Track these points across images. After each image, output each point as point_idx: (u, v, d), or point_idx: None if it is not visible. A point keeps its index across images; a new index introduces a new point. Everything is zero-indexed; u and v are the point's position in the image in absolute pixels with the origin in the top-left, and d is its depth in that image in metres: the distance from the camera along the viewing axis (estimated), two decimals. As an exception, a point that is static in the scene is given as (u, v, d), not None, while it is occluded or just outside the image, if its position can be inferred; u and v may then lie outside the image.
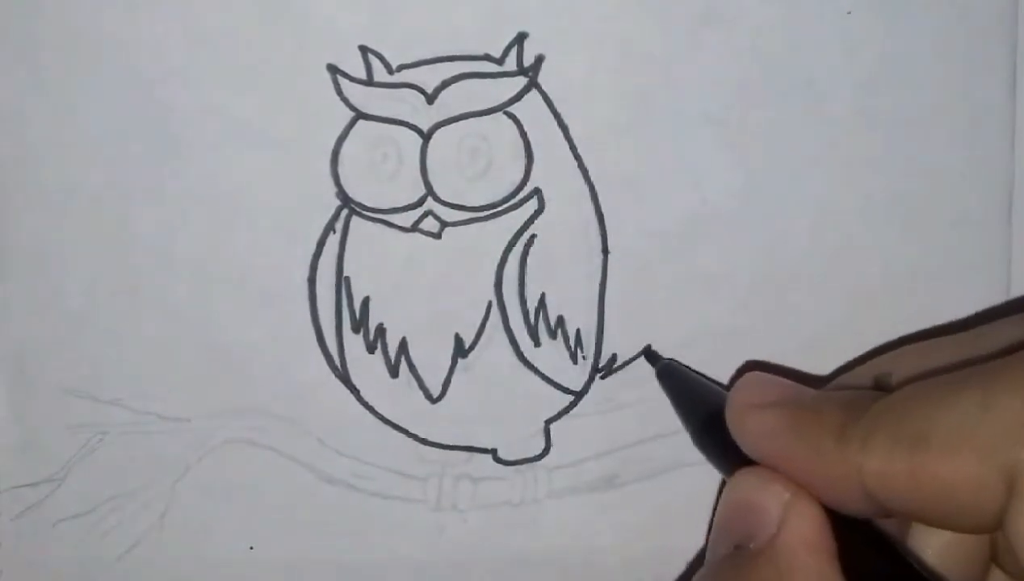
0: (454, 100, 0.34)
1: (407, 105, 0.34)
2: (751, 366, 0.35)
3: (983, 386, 0.24)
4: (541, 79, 0.34)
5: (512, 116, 0.34)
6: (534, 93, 0.34)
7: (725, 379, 0.35)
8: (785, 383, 0.29)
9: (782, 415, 0.27)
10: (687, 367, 0.34)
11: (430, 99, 0.34)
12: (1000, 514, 0.23)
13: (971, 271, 0.35)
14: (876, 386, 0.29)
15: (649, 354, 0.34)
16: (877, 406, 0.25)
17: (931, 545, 0.27)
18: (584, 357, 0.35)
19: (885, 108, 0.34)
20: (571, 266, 0.35)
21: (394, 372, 0.35)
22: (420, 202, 0.34)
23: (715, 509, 0.28)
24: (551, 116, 0.34)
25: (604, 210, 0.34)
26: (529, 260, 0.35)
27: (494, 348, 0.35)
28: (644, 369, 0.35)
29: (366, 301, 0.35)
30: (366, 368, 0.35)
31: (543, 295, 0.35)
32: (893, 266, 0.35)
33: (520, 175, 0.34)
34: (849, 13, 0.34)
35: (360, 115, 0.34)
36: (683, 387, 0.33)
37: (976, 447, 0.23)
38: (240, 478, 0.35)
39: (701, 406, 0.31)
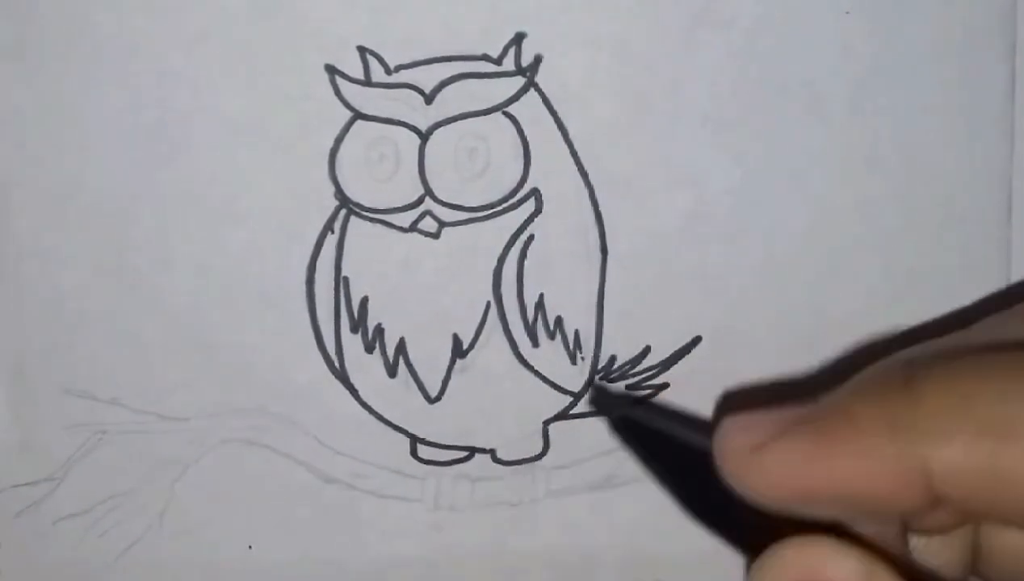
0: (452, 100, 0.34)
1: (405, 105, 0.34)
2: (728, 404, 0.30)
3: None
4: (539, 79, 0.34)
5: (510, 116, 0.34)
6: (532, 93, 0.34)
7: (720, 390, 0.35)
8: (772, 412, 0.23)
9: (801, 439, 0.22)
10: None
11: (428, 99, 0.34)
12: None
13: (970, 271, 0.34)
14: None
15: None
16: (934, 391, 0.21)
17: (1008, 548, 0.24)
18: (583, 358, 0.35)
19: (883, 107, 0.34)
20: (570, 266, 0.35)
21: (392, 372, 0.35)
22: (418, 202, 0.34)
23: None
24: (549, 116, 0.34)
25: (603, 210, 0.34)
26: (527, 260, 0.34)
27: (492, 348, 0.35)
28: (644, 369, 0.35)
29: (364, 301, 0.35)
30: (364, 368, 0.35)
31: (541, 295, 0.35)
32: (892, 266, 0.35)
33: (518, 175, 0.34)
34: (848, 13, 0.33)
35: (358, 115, 0.34)
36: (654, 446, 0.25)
37: None
38: (239, 478, 0.35)
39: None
